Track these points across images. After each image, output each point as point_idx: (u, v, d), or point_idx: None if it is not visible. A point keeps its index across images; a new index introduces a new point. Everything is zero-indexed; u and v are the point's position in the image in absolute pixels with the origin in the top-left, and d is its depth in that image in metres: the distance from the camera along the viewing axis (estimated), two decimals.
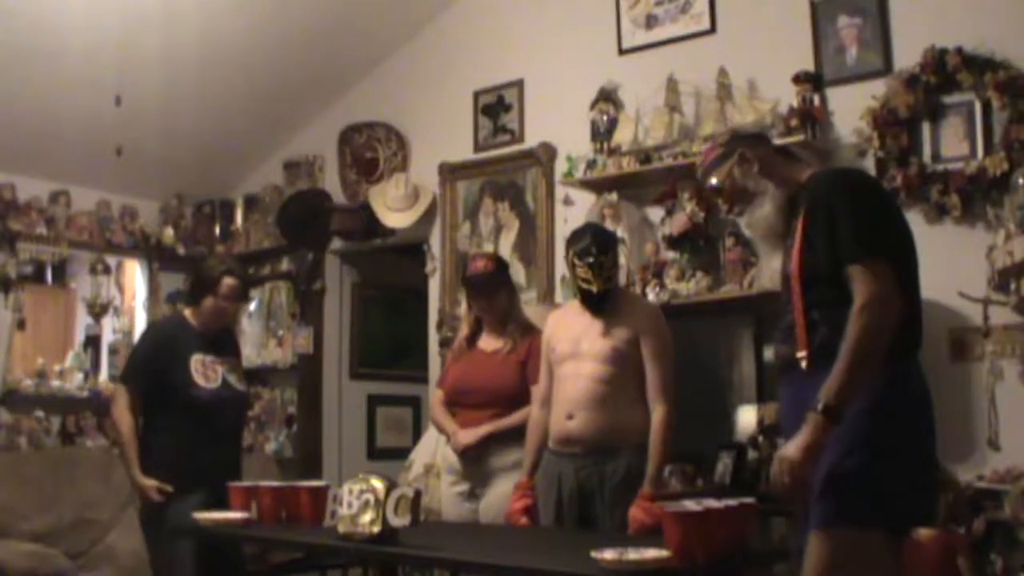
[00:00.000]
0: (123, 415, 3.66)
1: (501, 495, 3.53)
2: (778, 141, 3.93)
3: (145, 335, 4.20)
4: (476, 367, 3.68)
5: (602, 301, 3.32)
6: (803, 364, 2.16)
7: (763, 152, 2.44)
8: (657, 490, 3.12)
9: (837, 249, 2.12)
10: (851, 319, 2.04)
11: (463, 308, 4.06)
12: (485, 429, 3.57)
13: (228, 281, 3.77)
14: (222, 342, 3.89)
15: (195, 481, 3.46)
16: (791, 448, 2.06)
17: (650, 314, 3.37)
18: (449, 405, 3.76)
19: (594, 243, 3.32)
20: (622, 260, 4.19)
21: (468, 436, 3.59)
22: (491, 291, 3.68)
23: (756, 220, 2.42)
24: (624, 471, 3.17)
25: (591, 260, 3.28)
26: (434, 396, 3.95)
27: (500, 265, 3.79)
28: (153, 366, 3.72)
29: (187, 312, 3.89)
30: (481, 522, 3.55)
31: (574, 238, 3.42)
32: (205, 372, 3.72)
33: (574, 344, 3.33)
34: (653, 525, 2.85)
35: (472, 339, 3.78)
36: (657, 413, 3.18)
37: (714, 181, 2.47)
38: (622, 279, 4.33)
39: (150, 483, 3.53)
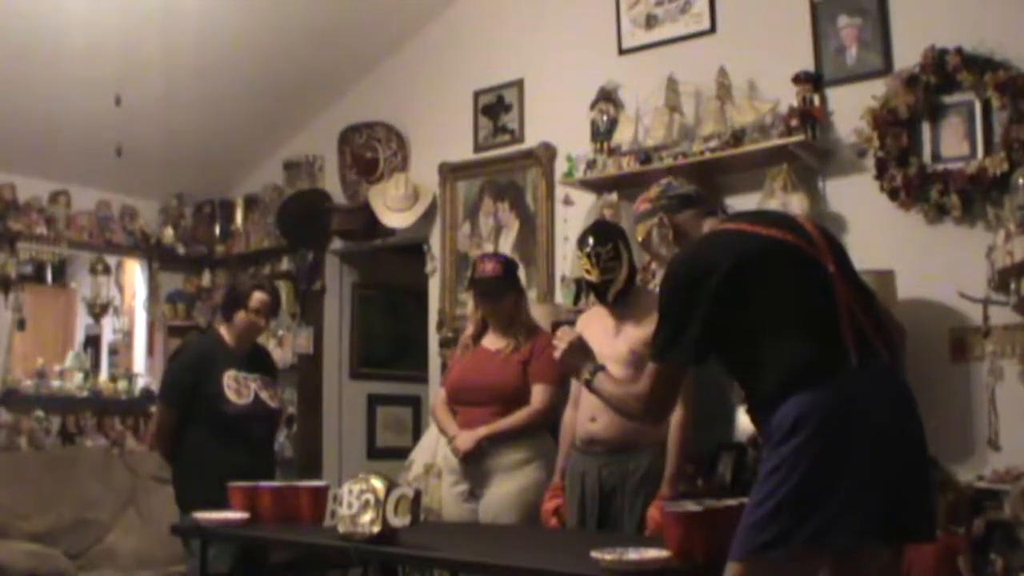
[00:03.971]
0: (157, 433, 4.01)
1: (501, 495, 3.54)
2: (778, 141, 3.96)
3: (179, 352, 4.34)
4: (478, 366, 3.69)
5: (605, 293, 3.32)
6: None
7: (683, 218, 2.44)
8: (674, 491, 3.13)
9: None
10: (632, 395, 2.38)
11: (470, 306, 4.07)
12: (482, 432, 3.57)
13: (258, 295, 3.92)
14: (256, 359, 4.02)
15: (204, 493, 3.46)
16: None
17: None
18: (451, 403, 3.77)
19: (592, 234, 3.35)
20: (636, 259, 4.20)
21: (466, 441, 3.59)
22: (496, 295, 3.68)
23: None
24: (645, 469, 3.19)
25: (587, 250, 3.31)
26: (438, 396, 3.95)
27: (508, 268, 3.76)
28: (186, 382, 3.85)
29: (222, 329, 4.00)
30: (481, 522, 3.56)
31: (580, 236, 3.47)
32: (238, 388, 3.84)
33: (597, 348, 3.34)
34: None
35: (478, 337, 3.78)
36: (675, 416, 3.17)
37: (639, 236, 2.54)
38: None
39: None
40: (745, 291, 2.12)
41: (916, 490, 2.04)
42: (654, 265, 2.53)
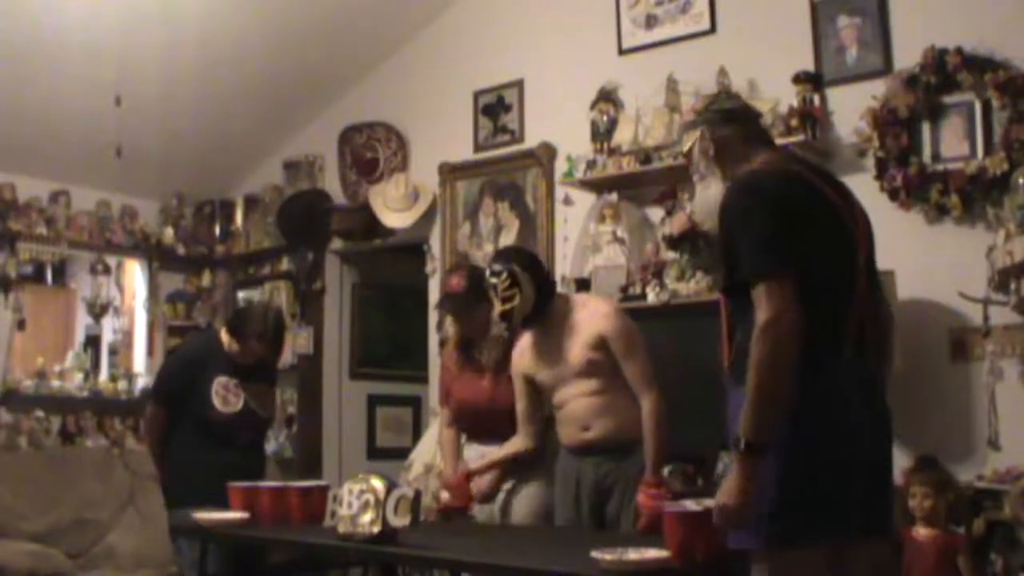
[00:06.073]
0: (149, 430, 3.97)
1: (519, 496, 3.54)
2: (778, 141, 3.94)
3: (173, 354, 4.28)
4: (473, 391, 3.64)
5: (510, 320, 3.34)
6: (727, 369, 2.14)
7: (725, 134, 2.32)
8: (658, 477, 3.13)
9: (737, 266, 2.09)
10: (752, 345, 2.01)
11: (449, 322, 4.07)
12: (478, 475, 3.58)
13: (255, 346, 3.87)
14: (253, 367, 3.94)
15: (213, 491, 3.47)
16: (726, 496, 2.00)
17: (605, 314, 3.32)
18: (455, 425, 3.78)
19: (488, 266, 3.41)
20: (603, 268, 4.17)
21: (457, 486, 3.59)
22: (463, 312, 3.64)
23: (697, 203, 2.41)
24: (640, 467, 3.18)
25: (487, 284, 3.37)
26: (440, 416, 3.93)
27: (472, 281, 3.67)
28: (175, 385, 3.86)
29: (222, 332, 3.96)
30: (497, 522, 3.56)
31: None
32: (226, 396, 3.81)
33: (553, 368, 3.33)
34: (661, 510, 2.87)
35: (465, 349, 3.74)
36: (645, 405, 3.18)
37: (684, 147, 2.43)
38: (622, 279, 4.34)
39: None
40: (797, 240, 2.05)
41: (879, 489, 2.12)
42: (695, 177, 2.43)
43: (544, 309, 3.34)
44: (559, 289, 3.73)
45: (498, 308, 3.34)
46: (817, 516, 1.99)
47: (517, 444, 3.48)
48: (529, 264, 3.39)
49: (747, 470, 1.98)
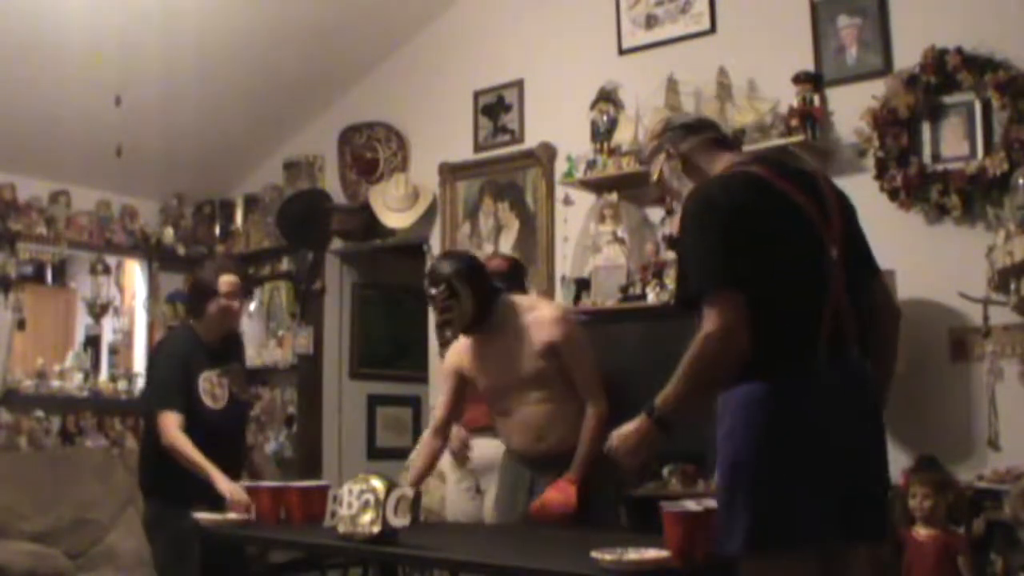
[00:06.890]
0: (178, 438, 3.50)
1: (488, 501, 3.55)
2: (778, 141, 3.96)
3: (166, 356, 4.00)
4: None
5: (444, 332, 3.33)
6: None
7: (688, 147, 2.32)
8: (579, 475, 3.08)
9: (687, 283, 2.14)
10: (693, 342, 2.07)
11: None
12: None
13: (227, 278, 3.63)
14: (226, 350, 3.80)
15: (200, 491, 3.44)
16: (620, 440, 2.21)
17: (553, 320, 3.23)
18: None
19: (426, 278, 3.32)
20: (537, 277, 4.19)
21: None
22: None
23: (677, 221, 2.37)
24: (600, 480, 3.12)
25: (428, 297, 3.28)
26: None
27: (515, 265, 3.81)
28: (183, 385, 3.64)
29: (193, 324, 3.79)
30: (485, 516, 3.56)
31: None
32: (212, 391, 3.68)
33: (497, 376, 3.26)
34: (561, 503, 2.95)
35: None
36: (592, 409, 3.12)
37: (653, 176, 2.43)
38: (622, 279, 4.34)
39: (239, 495, 3.33)
40: (757, 247, 2.05)
41: (868, 492, 2.08)
42: (673, 204, 2.42)
43: (485, 317, 3.23)
44: (532, 291, 3.72)
45: (436, 318, 3.28)
46: (795, 522, 1.97)
47: (435, 447, 3.41)
48: (469, 274, 3.23)
49: (648, 434, 2.16)
